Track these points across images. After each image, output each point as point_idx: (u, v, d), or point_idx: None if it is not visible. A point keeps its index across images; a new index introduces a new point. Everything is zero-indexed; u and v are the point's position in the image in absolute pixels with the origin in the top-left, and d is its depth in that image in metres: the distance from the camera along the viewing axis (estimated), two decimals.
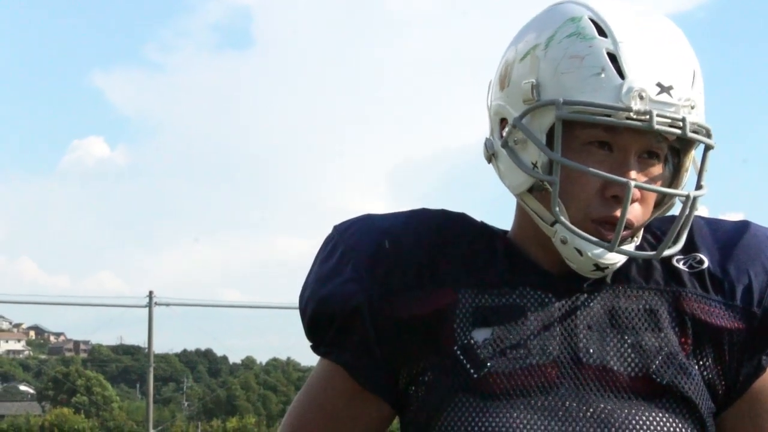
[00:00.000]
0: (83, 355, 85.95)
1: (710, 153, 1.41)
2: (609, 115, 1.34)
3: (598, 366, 1.40)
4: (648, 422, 1.38)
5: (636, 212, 1.39)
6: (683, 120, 1.35)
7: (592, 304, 1.43)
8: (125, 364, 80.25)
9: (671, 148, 1.44)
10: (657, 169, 1.41)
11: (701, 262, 1.47)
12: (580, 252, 1.38)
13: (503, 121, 1.44)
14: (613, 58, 1.35)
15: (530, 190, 1.42)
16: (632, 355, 1.41)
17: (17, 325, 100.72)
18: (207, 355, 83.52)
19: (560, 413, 1.38)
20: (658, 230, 1.47)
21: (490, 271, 1.45)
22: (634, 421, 1.38)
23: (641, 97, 1.34)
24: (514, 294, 1.43)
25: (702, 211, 1.47)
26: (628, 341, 1.42)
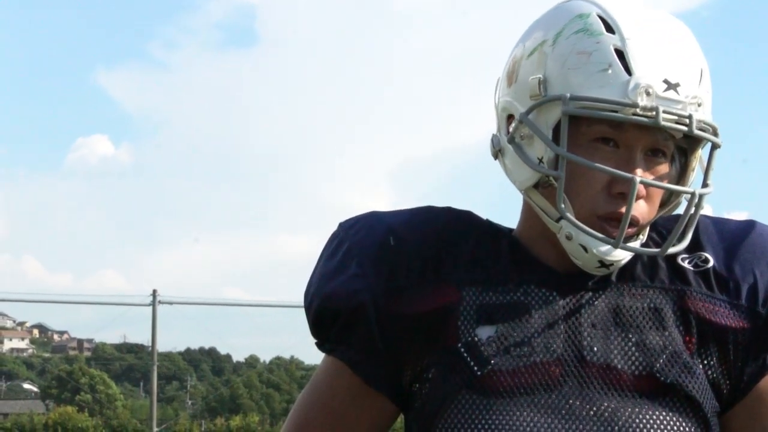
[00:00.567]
0: (87, 353, 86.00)
1: (716, 152, 1.41)
2: (615, 111, 1.34)
3: (602, 364, 1.40)
4: (652, 421, 1.38)
5: (641, 209, 1.39)
6: (690, 117, 1.35)
7: (596, 302, 1.43)
8: (129, 363, 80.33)
9: (679, 148, 1.44)
10: (663, 168, 1.41)
11: (706, 261, 1.47)
12: (584, 248, 1.38)
13: (510, 118, 1.44)
14: (621, 54, 1.35)
15: (536, 186, 1.42)
16: (636, 354, 1.41)
17: (21, 324, 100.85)
18: (210, 353, 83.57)
19: (564, 411, 1.38)
20: (663, 228, 1.47)
21: (494, 269, 1.45)
22: (637, 420, 1.37)
23: (648, 94, 1.34)
24: (519, 292, 1.43)
25: (705, 210, 1.47)
26: (633, 340, 1.41)
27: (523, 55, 1.43)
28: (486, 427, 1.37)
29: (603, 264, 1.39)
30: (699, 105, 1.37)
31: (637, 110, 1.34)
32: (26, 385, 74.86)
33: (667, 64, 1.36)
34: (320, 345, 1.51)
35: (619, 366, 1.40)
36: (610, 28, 1.37)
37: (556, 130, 1.38)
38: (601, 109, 1.35)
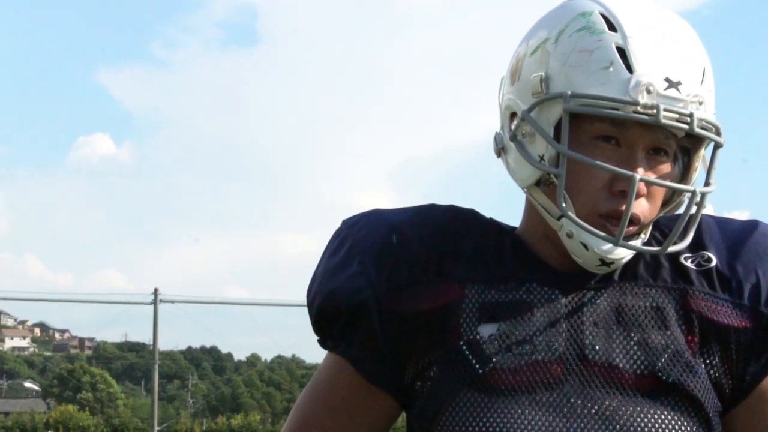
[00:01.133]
0: (88, 352, 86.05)
1: (718, 151, 1.41)
2: (616, 109, 1.34)
3: (604, 363, 1.40)
4: (653, 420, 1.38)
5: (643, 208, 1.39)
6: (691, 115, 1.35)
7: (598, 301, 1.43)
8: (130, 362, 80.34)
9: (683, 148, 1.44)
10: (666, 167, 1.41)
11: (709, 260, 1.46)
12: (585, 246, 1.38)
13: (513, 115, 1.44)
14: (622, 52, 1.35)
15: (538, 184, 1.42)
16: (638, 353, 1.41)
17: (22, 322, 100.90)
18: (212, 352, 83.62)
19: (565, 410, 1.38)
20: (666, 228, 1.47)
21: (497, 267, 1.45)
22: (639, 419, 1.37)
23: (649, 91, 1.34)
24: (521, 290, 1.43)
25: (707, 209, 1.47)
26: (635, 339, 1.41)
27: (527, 53, 1.43)
28: (487, 425, 1.37)
29: (604, 262, 1.39)
30: (700, 103, 1.36)
31: (638, 108, 1.34)
32: (27, 384, 74.90)
33: (668, 63, 1.36)
34: (322, 342, 1.51)
35: (621, 365, 1.40)
36: (612, 27, 1.37)
37: (558, 127, 1.38)
38: (602, 107, 1.35)
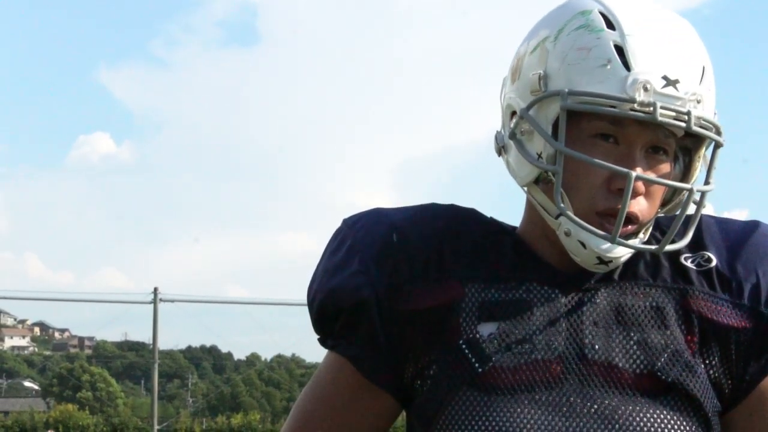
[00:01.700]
0: (88, 351, 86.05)
1: (718, 151, 1.41)
2: (614, 107, 1.34)
3: (603, 362, 1.40)
4: (652, 419, 1.38)
5: (641, 206, 1.39)
6: (688, 113, 1.35)
7: (598, 300, 1.43)
8: (130, 361, 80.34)
9: (683, 148, 1.44)
10: (665, 166, 1.41)
11: (709, 260, 1.46)
12: (583, 244, 1.38)
13: (513, 114, 1.44)
14: (620, 50, 1.36)
15: (537, 183, 1.42)
16: (638, 352, 1.41)
17: (22, 322, 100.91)
18: (212, 351, 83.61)
19: (564, 409, 1.38)
20: (666, 227, 1.46)
21: (497, 266, 1.45)
22: (638, 418, 1.37)
23: (646, 89, 1.34)
24: (521, 289, 1.43)
25: (707, 209, 1.47)
26: (634, 338, 1.41)
27: (527, 52, 1.44)
28: (486, 423, 1.37)
29: (602, 261, 1.39)
30: (698, 102, 1.36)
31: (635, 105, 1.34)
32: (27, 383, 74.87)
33: (667, 61, 1.36)
34: (323, 341, 1.51)
35: (620, 364, 1.40)
36: (611, 25, 1.37)
37: (556, 125, 1.38)
38: (599, 104, 1.35)
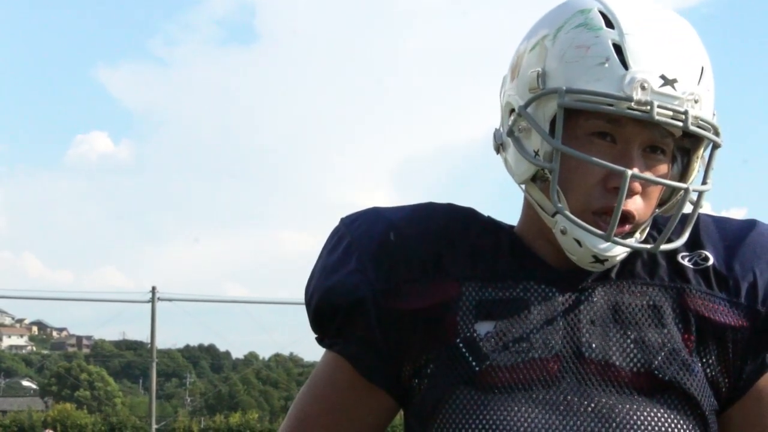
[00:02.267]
0: (86, 350, 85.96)
1: (716, 152, 1.41)
2: (611, 105, 1.35)
3: (601, 361, 1.40)
4: (649, 418, 1.38)
5: (638, 205, 1.39)
6: (686, 113, 1.35)
7: (595, 299, 1.43)
8: (128, 360, 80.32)
9: (682, 149, 1.44)
10: (663, 166, 1.41)
11: (706, 259, 1.46)
12: (579, 243, 1.38)
13: (512, 112, 1.45)
14: (619, 49, 1.36)
15: (534, 180, 1.42)
16: (635, 351, 1.41)
17: (20, 321, 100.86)
18: (210, 350, 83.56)
19: (561, 407, 1.38)
20: (663, 227, 1.47)
21: (494, 265, 1.45)
22: (635, 417, 1.38)
23: (643, 88, 1.34)
24: (518, 288, 1.43)
25: (705, 208, 1.47)
26: (631, 337, 1.41)
27: (526, 50, 1.44)
28: (484, 422, 1.37)
29: (597, 259, 1.39)
30: (696, 101, 1.37)
31: (632, 104, 1.34)
32: (25, 382, 74.83)
33: (665, 61, 1.36)
34: (320, 340, 1.51)
35: (618, 363, 1.40)
36: (610, 23, 1.38)
37: (554, 123, 1.38)
38: (597, 102, 1.35)
